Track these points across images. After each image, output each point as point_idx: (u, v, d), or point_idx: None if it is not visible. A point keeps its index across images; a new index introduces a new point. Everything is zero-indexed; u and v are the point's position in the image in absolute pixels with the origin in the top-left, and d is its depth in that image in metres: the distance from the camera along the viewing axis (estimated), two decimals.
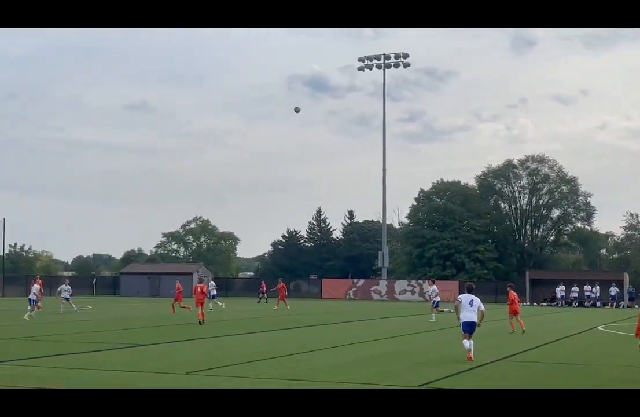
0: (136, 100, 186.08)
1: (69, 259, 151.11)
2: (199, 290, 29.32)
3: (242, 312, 38.78)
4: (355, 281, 66.83)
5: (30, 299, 32.12)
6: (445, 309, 34.42)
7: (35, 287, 32.47)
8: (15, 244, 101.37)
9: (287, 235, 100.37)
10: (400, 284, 64.21)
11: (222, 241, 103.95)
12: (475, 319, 17.12)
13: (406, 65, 70.32)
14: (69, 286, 36.00)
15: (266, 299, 50.64)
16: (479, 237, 78.59)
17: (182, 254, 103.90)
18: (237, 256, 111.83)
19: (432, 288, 34.53)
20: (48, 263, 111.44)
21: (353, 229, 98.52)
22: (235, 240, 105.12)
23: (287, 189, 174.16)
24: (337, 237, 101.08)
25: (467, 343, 17.02)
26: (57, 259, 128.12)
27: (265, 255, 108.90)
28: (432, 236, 78.33)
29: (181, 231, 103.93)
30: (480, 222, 79.57)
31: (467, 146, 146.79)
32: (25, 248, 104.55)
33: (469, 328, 17.06)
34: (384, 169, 70.28)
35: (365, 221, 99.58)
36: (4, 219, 63.85)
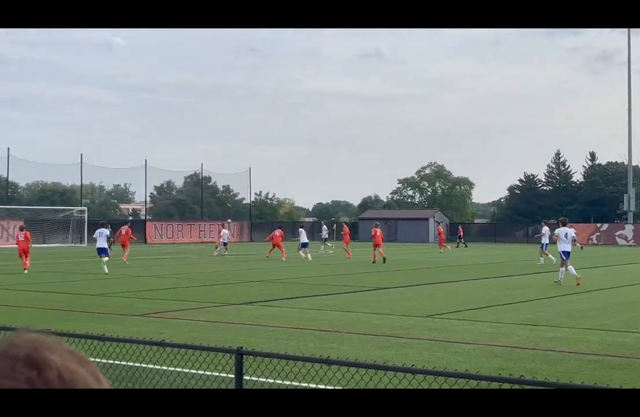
0: (370, 48, 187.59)
1: (309, 205, 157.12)
2: (378, 233, 32.11)
3: (474, 257, 38.52)
4: (598, 225, 63.94)
5: (223, 242, 38.70)
6: (552, 258, 30.04)
7: (225, 232, 39.05)
8: (260, 192, 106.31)
9: (524, 179, 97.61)
10: None
11: (457, 186, 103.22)
12: (570, 248, 21.48)
13: None
14: (227, 230, 38.89)
15: (464, 243, 50.83)
16: None
17: (417, 199, 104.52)
18: (473, 201, 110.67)
19: (543, 229, 32.78)
20: (290, 210, 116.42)
21: (595, 171, 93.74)
22: (471, 185, 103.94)
23: (523, 132, 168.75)
24: (577, 181, 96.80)
25: (572, 269, 20.99)
26: (298, 206, 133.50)
27: (502, 200, 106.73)
28: None
29: (416, 176, 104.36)
30: None
31: None
32: (269, 196, 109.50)
33: (568, 256, 21.28)
34: (629, 108, 65.85)
35: (609, 163, 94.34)
36: (250, 168, 67.56)
